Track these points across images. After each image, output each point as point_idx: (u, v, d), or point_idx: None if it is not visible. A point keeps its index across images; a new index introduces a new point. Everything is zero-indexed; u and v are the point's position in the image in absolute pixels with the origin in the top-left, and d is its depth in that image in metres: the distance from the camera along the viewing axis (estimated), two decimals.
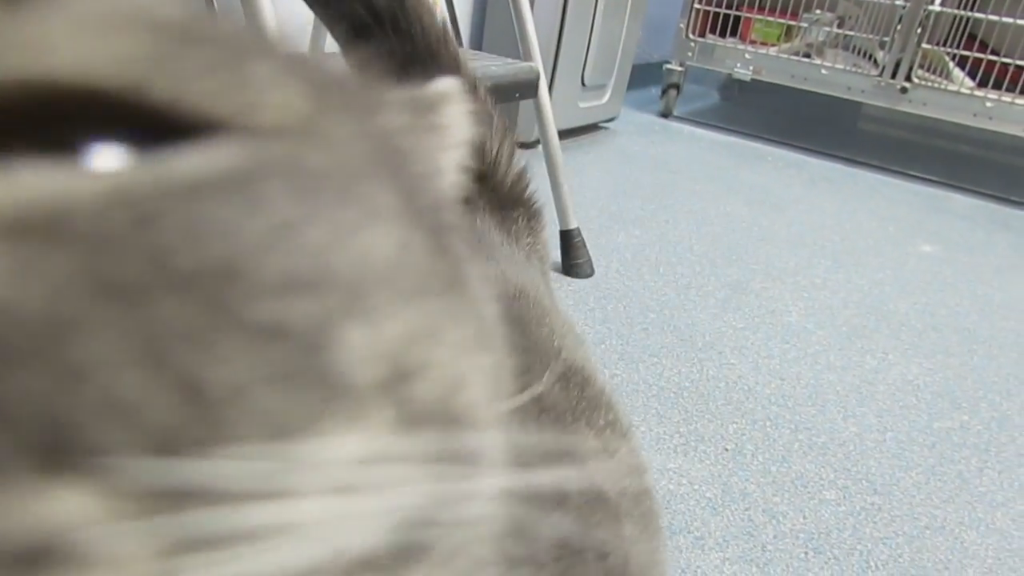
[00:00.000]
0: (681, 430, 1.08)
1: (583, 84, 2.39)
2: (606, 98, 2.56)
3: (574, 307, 1.38)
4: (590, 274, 1.52)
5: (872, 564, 0.89)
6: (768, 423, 1.13)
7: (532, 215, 0.51)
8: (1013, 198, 2.57)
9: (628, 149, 2.51)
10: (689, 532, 0.89)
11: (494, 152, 0.48)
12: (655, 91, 3.20)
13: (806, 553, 0.89)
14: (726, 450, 1.06)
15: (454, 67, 0.46)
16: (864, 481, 1.04)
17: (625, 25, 2.47)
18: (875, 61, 2.63)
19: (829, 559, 0.89)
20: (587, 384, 0.36)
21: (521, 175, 0.50)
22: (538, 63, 1.51)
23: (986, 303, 1.68)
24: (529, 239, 0.48)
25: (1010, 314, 1.64)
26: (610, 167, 2.28)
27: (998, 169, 2.99)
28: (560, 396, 0.33)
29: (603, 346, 1.27)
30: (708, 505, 0.94)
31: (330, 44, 1.80)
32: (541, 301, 0.39)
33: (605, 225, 1.79)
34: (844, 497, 1.00)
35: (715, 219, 1.96)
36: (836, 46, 2.76)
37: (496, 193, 0.48)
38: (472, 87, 0.47)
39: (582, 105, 2.44)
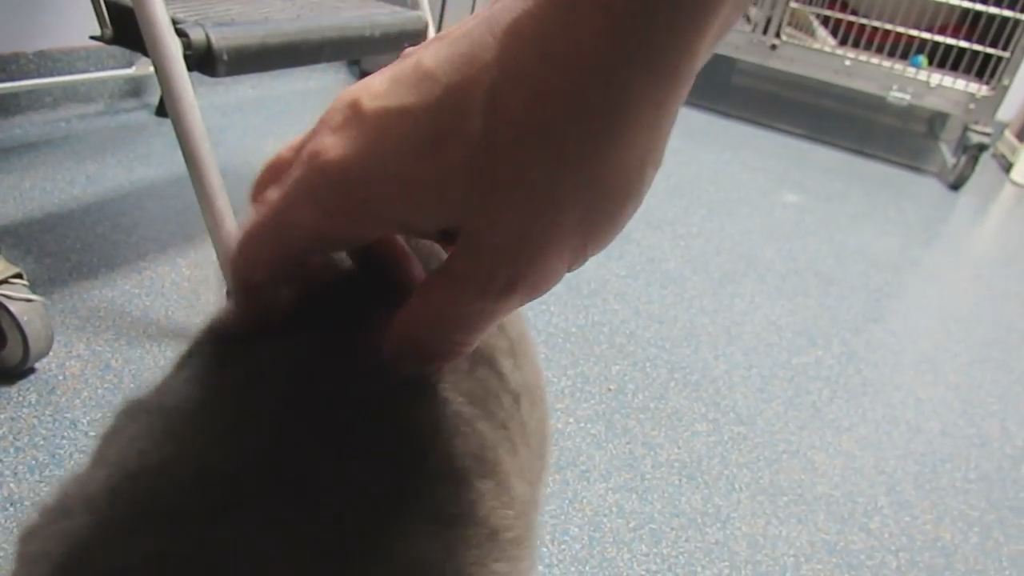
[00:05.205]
0: (568, 373, 1.15)
1: None
2: None
3: None
4: None
5: (736, 487, 0.99)
6: (648, 364, 1.22)
7: None
8: (867, 151, 2.78)
9: None
10: (576, 466, 0.96)
11: None
12: None
13: (680, 480, 0.98)
14: (609, 390, 1.13)
15: None
16: (731, 413, 1.14)
17: None
18: (748, 18, 2.75)
19: (700, 484, 0.98)
20: None
21: None
22: (426, 12, 1.50)
23: (841, 248, 1.84)
24: None
25: (861, 258, 1.81)
26: None
27: (856, 123, 3.22)
28: None
29: None
30: (593, 441, 1.02)
31: None
32: None
33: None
34: (714, 428, 1.10)
35: None
36: None
37: None
38: None
39: None
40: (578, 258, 0.23)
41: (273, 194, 0.23)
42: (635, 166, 0.21)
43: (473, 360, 0.29)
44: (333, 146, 0.21)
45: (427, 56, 0.21)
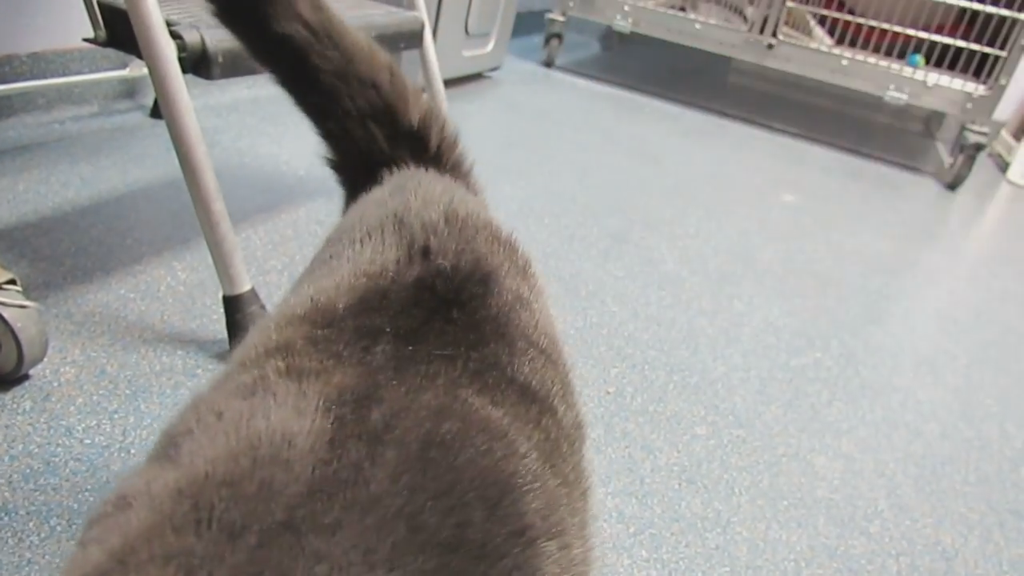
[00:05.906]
0: None
1: (467, 33, 2.37)
2: (490, 47, 2.55)
3: None
4: None
5: (736, 490, 0.99)
6: (646, 366, 1.21)
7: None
8: (863, 150, 2.78)
9: (512, 99, 2.52)
10: None
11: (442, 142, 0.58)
12: (538, 39, 3.21)
13: (679, 484, 0.98)
14: (608, 393, 1.13)
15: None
16: (730, 416, 1.14)
17: None
18: (745, 17, 2.75)
19: (699, 488, 0.98)
20: None
21: (462, 157, 0.59)
22: (423, 13, 1.49)
23: (838, 249, 1.84)
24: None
25: (858, 259, 1.80)
26: (495, 117, 2.30)
27: (852, 123, 3.22)
28: None
29: None
30: (592, 445, 1.01)
31: None
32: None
33: (492, 177, 1.81)
34: (713, 431, 1.09)
35: (597, 170, 2.02)
36: (710, 1, 2.86)
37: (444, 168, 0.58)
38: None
39: (466, 54, 2.43)
40: None
41: None
42: None
43: (539, 408, 0.30)
44: None
45: None
